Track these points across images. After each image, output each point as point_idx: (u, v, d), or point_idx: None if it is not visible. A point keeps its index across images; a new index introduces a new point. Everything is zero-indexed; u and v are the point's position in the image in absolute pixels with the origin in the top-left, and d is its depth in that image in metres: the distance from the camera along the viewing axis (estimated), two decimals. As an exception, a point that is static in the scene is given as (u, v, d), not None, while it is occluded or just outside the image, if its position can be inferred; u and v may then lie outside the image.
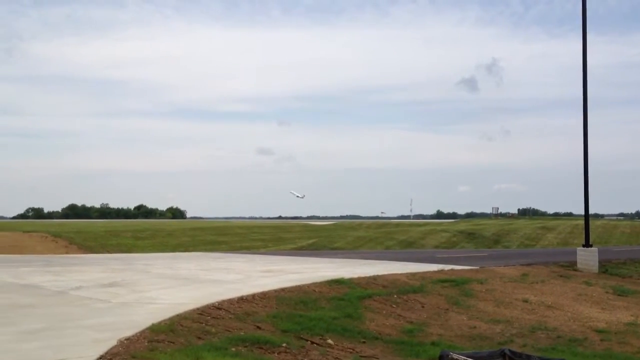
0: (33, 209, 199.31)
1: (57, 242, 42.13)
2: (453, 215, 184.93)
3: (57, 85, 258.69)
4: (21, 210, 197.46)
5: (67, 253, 36.06)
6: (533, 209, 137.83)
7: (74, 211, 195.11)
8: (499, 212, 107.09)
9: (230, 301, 11.76)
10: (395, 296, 14.33)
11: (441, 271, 18.68)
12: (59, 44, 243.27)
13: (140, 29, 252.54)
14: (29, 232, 45.92)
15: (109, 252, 38.60)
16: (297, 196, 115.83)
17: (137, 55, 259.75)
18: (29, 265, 20.63)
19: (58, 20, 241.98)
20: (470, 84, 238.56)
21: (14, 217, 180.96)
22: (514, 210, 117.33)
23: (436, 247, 46.60)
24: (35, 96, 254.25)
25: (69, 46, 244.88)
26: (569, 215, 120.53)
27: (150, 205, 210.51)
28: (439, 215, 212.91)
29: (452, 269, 19.32)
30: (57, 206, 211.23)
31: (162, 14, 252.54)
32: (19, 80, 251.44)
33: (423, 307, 14.00)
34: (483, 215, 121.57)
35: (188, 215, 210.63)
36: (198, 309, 10.80)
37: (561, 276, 20.18)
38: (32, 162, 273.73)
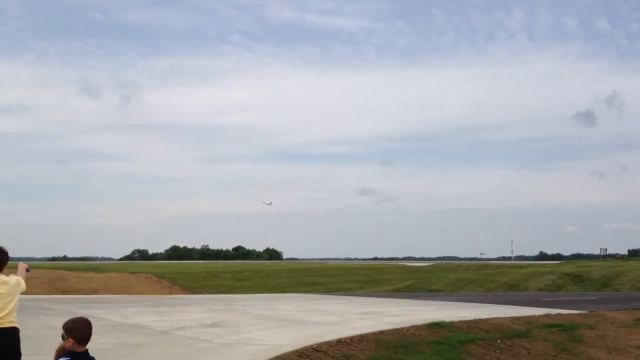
0: (139, 251, 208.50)
1: (161, 283, 43.62)
2: (557, 257, 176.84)
3: (162, 132, 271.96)
4: (128, 252, 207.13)
5: (170, 293, 37.29)
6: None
7: (176, 252, 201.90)
8: (607, 253, 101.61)
9: (328, 343, 11.69)
10: (498, 341, 13.76)
11: (547, 315, 17.81)
12: (164, 93, 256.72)
13: (240, 76, 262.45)
14: (135, 273, 47.80)
15: (209, 292, 39.58)
16: (266, 204, 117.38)
17: (237, 101, 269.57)
18: (136, 305, 21.45)
19: (163, 71, 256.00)
20: (587, 118, 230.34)
21: (120, 259, 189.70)
22: (623, 251, 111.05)
23: (540, 290, 44.62)
24: (141, 143, 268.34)
25: (174, 95, 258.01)
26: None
27: (248, 246, 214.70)
28: (542, 256, 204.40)
29: (559, 313, 18.40)
30: (161, 248, 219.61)
31: (261, 61, 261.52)
32: (128, 128, 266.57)
33: (529, 353, 13.36)
34: (590, 257, 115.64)
35: (284, 256, 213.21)
36: (297, 350, 10.80)
37: (681, 322, 18.74)
38: (138, 206, 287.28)
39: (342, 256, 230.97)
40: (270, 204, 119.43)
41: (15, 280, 6.32)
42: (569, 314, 18.38)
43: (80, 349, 4.50)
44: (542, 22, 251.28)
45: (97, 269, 49.80)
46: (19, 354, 6.09)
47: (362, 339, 12.53)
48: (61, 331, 4.48)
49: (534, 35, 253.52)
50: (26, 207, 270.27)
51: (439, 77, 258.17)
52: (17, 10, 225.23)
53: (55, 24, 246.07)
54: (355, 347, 11.81)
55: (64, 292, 36.40)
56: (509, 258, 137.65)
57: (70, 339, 4.46)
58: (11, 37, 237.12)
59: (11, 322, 6.11)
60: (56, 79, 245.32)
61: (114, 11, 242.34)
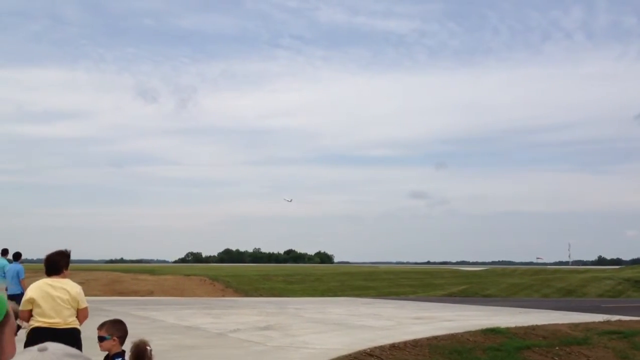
0: (192, 254, 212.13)
1: (214, 286, 44.16)
2: (617, 262, 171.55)
3: (215, 136, 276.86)
4: (182, 255, 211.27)
5: (223, 296, 37.74)
6: None
7: (228, 255, 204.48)
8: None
9: (381, 348, 11.63)
10: (557, 348, 13.43)
11: (607, 322, 17.29)
12: (216, 97, 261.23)
13: (290, 79, 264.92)
14: (189, 275, 48.54)
15: (261, 295, 39.88)
16: (287, 201, 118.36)
17: (288, 104, 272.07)
18: (190, 307, 21.79)
19: (215, 76, 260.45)
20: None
21: (175, 262, 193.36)
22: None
23: (599, 295, 43.37)
24: (195, 147, 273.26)
25: (226, 99, 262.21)
26: None
27: (299, 249, 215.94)
28: (601, 261, 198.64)
29: (619, 320, 17.84)
30: (214, 251, 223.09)
31: (312, 65, 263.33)
32: (182, 132, 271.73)
33: (588, 360, 12.99)
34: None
35: (335, 259, 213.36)
36: (350, 355, 10.78)
37: None
38: (192, 209, 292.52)
39: (394, 260, 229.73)
40: (290, 201, 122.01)
41: (78, 293, 6.48)
42: (630, 321, 17.80)
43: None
44: (600, 21, 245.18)
45: (152, 272, 50.78)
46: None
47: (415, 344, 12.41)
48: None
49: (591, 34, 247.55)
50: (84, 210, 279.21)
51: (492, 78, 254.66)
52: (75, 18, 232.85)
53: (111, 31, 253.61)
54: (409, 352, 11.71)
55: (120, 293, 37.26)
56: (566, 263, 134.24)
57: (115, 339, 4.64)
58: (70, 44, 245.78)
59: (68, 323, 6.28)
60: (112, 84, 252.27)
61: (167, 17, 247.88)
